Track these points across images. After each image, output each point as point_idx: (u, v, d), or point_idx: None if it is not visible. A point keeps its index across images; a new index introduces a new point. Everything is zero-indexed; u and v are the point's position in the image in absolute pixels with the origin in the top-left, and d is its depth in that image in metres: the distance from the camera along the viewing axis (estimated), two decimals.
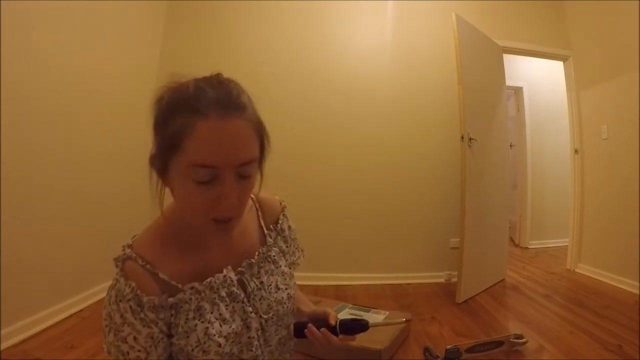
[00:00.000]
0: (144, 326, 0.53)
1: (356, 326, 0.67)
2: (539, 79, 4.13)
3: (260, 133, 0.55)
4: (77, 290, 2.03)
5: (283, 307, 0.65)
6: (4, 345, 1.55)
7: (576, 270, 3.03)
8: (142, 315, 0.53)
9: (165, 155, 0.52)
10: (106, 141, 2.26)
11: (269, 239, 0.70)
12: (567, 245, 3.23)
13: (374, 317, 1.78)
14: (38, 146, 1.76)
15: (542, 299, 2.36)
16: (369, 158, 2.83)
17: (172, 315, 0.55)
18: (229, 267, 0.61)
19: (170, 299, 0.55)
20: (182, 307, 0.56)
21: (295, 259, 0.77)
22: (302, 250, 0.80)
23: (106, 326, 0.54)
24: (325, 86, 2.83)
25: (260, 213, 0.72)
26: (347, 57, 2.86)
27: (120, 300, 0.53)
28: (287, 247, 0.74)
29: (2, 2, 1.51)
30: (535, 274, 2.99)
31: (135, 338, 0.53)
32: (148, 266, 0.55)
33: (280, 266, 0.69)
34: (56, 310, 1.87)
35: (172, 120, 0.50)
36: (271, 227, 0.72)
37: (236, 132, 0.50)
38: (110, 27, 2.25)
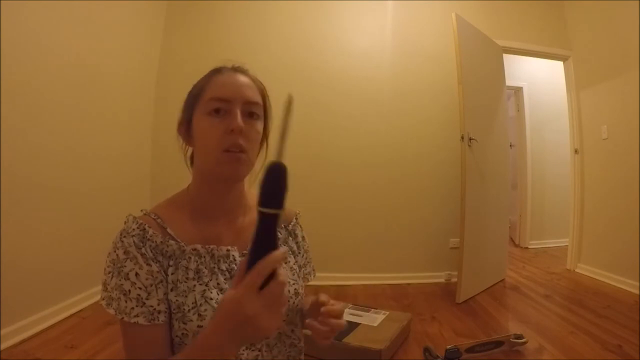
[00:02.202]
0: (145, 262, 0.55)
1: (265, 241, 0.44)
2: (539, 79, 4.13)
3: (263, 97, 0.66)
4: (77, 290, 2.03)
5: (288, 302, 0.65)
6: (4, 345, 1.55)
7: (576, 270, 3.03)
8: (143, 250, 0.55)
9: (191, 107, 0.63)
10: (107, 140, 2.26)
11: (278, 234, 0.71)
12: (567, 245, 3.23)
13: (373, 316, 1.78)
14: (38, 146, 1.76)
15: (542, 299, 2.36)
16: (368, 158, 2.83)
17: (169, 266, 0.57)
18: (235, 247, 0.64)
19: (172, 242, 0.58)
20: (180, 262, 0.58)
21: (306, 271, 0.78)
22: (313, 270, 0.81)
23: (108, 273, 0.55)
24: (325, 86, 2.83)
25: None
26: (348, 57, 2.86)
27: (125, 236, 0.56)
28: (298, 251, 0.76)
29: (2, 2, 1.51)
30: (535, 274, 2.99)
31: (137, 274, 0.54)
32: (159, 220, 0.60)
33: (289, 262, 0.70)
34: (56, 310, 1.87)
35: (196, 84, 0.64)
36: (282, 226, 0.74)
37: (243, 80, 0.63)
38: (111, 27, 2.25)
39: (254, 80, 0.65)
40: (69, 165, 1.97)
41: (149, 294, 0.54)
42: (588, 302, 2.30)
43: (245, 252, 0.64)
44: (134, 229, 0.56)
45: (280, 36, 2.84)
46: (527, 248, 3.99)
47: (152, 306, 0.54)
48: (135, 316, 0.53)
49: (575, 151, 3.12)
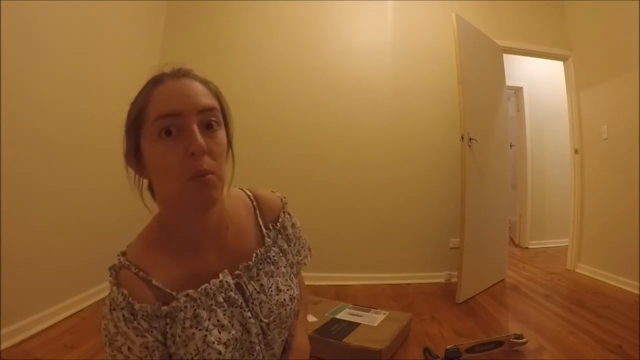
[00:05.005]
0: (137, 335, 0.51)
1: None
2: (539, 79, 4.13)
3: (219, 99, 0.56)
4: (77, 290, 2.03)
5: (285, 310, 0.63)
6: (4, 345, 1.55)
7: (576, 270, 3.02)
8: (135, 324, 0.51)
9: (135, 133, 0.54)
10: (106, 140, 2.26)
11: (267, 239, 0.67)
12: (567, 245, 3.23)
13: (373, 316, 1.78)
14: (38, 146, 1.76)
15: (542, 299, 2.36)
16: (368, 158, 2.83)
17: (167, 324, 0.53)
18: (225, 271, 0.59)
19: (164, 308, 0.53)
20: (177, 315, 0.54)
21: (301, 258, 0.74)
22: (309, 249, 0.77)
23: (105, 336, 0.52)
24: (325, 86, 2.82)
25: (258, 211, 0.68)
26: (348, 57, 2.86)
27: (114, 309, 0.51)
28: (289, 246, 0.71)
29: (2, 2, 1.51)
30: (535, 274, 2.98)
31: (129, 348, 0.50)
32: (141, 273, 0.54)
33: (280, 267, 0.66)
34: (56, 310, 1.87)
35: (135, 100, 0.54)
36: (270, 226, 0.68)
37: (191, 85, 0.53)
38: (111, 27, 2.25)
39: (204, 81, 0.55)
40: (69, 165, 1.97)
41: None
42: (588, 302, 2.29)
43: (237, 272, 0.61)
44: (120, 301, 0.51)
45: (280, 36, 2.84)
46: (527, 248, 3.99)
47: None
48: None
49: (575, 151, 3.12)
